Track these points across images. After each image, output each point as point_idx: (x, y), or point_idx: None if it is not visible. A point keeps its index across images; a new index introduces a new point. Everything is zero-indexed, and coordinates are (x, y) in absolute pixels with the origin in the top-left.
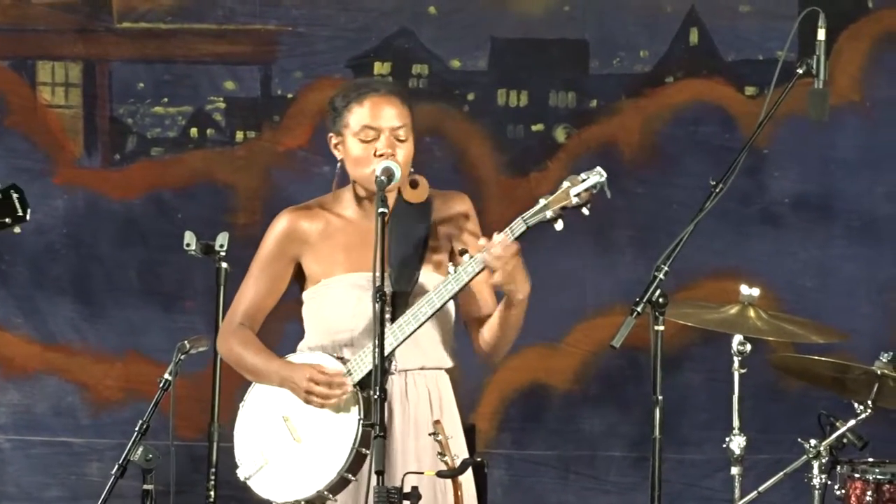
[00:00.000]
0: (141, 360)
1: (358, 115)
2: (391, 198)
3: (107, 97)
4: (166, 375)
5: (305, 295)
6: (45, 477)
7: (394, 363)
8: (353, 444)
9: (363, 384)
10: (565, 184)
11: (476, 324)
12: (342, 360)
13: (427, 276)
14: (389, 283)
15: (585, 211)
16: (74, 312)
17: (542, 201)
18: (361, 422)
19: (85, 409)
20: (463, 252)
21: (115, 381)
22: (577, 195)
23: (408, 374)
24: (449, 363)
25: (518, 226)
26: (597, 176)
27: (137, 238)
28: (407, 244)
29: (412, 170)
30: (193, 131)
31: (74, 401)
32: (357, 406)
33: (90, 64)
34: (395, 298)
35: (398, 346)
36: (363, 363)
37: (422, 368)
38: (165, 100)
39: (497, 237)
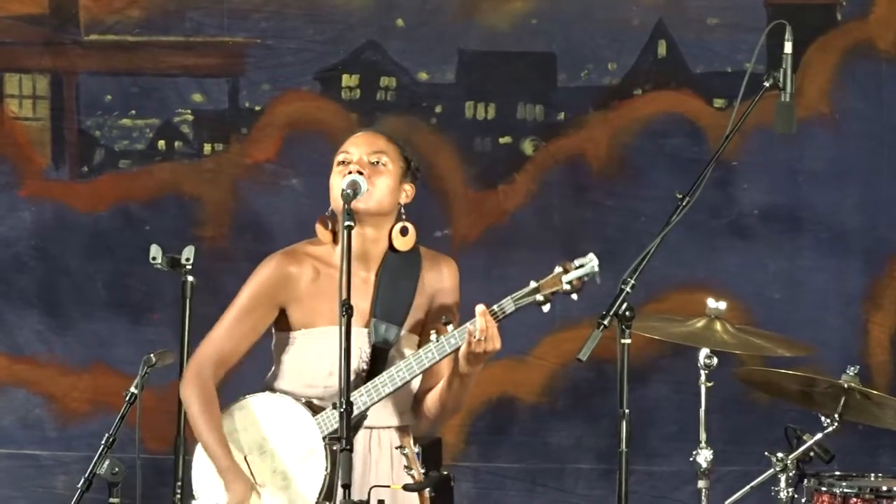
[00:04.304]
0: (108, 372)
1: (342, 148)
2: (380, 246)
3: (74, 109)
4: (132, 389)
5: (280, 336)
6: (11, 490)
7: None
8: (319, 496)
9: (331, 438)
10: (558, 269)
11: (424, 393)
12: (311, 405)
13: (406, 336)
14: (370, 338)
15: (575, 297)
16: (42, 324)
17: (533, 284)
18: (327, 475)
19: (52, 421)
20: (447, 322)
21: (82, 393)
22: (570, 283)
23: (373, 431)
24: (409, 421)
25: (507, 306)
26: (590, 266)
27: (105, 250)
28: (393, 300)
29: (404, 215)
30: (161, 144)
31: (41, 413)
32: (324, 458)
33: (58, 76)
34: (374, 353)
35: (371, 405)
36: (332, 418)
37: (388, 427)
38: (133, 112)
39: (479, 311)
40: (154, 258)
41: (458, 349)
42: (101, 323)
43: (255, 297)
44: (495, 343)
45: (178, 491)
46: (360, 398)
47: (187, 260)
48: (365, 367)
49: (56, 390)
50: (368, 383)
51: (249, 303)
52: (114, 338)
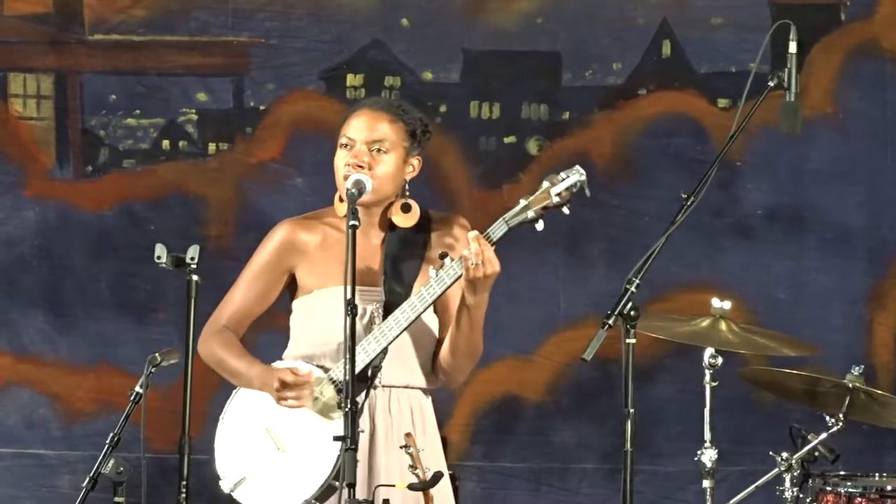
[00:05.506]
0: (113, 371)
1: (345, 128)
2: (378, 216)
3: (79, 109)
4: (137, 388)
5: (296, 304)
6: (16, 489)
7: (379, 376)
8: (341, 450)
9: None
10: (545, 184)
11: (440, 346)
12: (324, 368)
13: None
14: (384, 295)
15: (566, 210)
16: (46, 324)
17: (523, 202)
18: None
19: (57, 420)
20: (444, 255)
21: (87, 392)
22: (559, 194)
23: (392, 390)
24: (432, 384)
25: (500, 227)
26: (577, 175)
27: (109, 250)
28: (403, 261)
29: (408, 192)
30: (166, 143)
31: (46, 412)
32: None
33: (62, 76)
34: (388, 309)
35: (381, 351)
36: (341, 371)
37: (406, 386)
38: (138, 111)
39: (472, 236)
40: (158, 257)
41: (457, 279)
42: (106, 322)
43: (265, 263)
44: (494, 265)
45: (184, 490)
46: (368, 345)
47: (192, 259)
48: (380, 319)
49: (61, 390)
50: (375, 329)
51: (259, 268)
52: (118, 337)
